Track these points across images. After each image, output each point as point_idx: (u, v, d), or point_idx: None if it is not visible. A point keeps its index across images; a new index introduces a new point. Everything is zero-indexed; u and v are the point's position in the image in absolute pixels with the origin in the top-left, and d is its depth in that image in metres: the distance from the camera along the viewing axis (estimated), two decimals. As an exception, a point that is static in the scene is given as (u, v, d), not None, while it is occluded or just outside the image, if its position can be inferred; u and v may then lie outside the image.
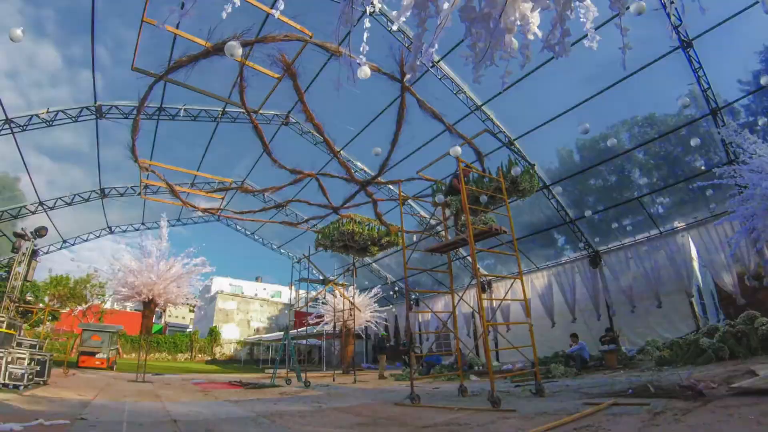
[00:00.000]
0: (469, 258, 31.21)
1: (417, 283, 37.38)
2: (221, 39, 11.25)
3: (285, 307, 66.28)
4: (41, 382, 14.49)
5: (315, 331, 36.77)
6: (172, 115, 22.42)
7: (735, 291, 19.75)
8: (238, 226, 39.18)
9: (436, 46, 3.80)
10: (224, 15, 4.27)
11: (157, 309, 24.87)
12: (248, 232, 40.10)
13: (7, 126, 20.04)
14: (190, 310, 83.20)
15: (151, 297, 23.48)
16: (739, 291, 19.72)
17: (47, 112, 20.37)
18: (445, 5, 3.54)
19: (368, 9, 3.88)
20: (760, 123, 16.29)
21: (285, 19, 10.32)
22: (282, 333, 35.81)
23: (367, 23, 4.37)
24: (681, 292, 21.81)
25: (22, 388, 12.60)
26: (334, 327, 32.48)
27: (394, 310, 40.40)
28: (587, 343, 21.26)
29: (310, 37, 11.17)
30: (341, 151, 24.57)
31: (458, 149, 15.29)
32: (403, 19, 3.83)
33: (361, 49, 4.27)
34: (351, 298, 30.05)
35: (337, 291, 31.82)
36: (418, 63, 3.88)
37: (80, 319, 39.74)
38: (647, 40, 15.29)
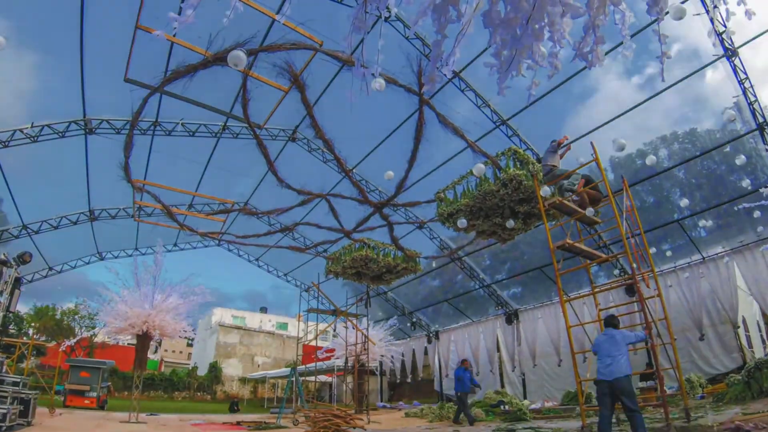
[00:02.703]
0: (494, 286, 31.08)
1: (437, 312, 37.21)
2: (222, 47, 11.28)
3: (292, 340, 66.08)
4: (25, 423, 14.46)
5: (325, 366, 36.65)
6: (169, 131, 22.42)
7: (784, 322, 19.56)
8: (240, 252, 39.06)
9: (458, 54, 3.78)
10: (225, 21, 4.27)
11: (152, 343, 24.85)
12: (252, 258, 39.92)
13: (-12, 142, 20.13)
14: (188, 344, 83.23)
15: (145, 329, 23.42)
16: (789, 322, 19.53)
17: (32, 126, 20.36)
18: (467, 9, 3.53)
19: (383, 14, 3.87)
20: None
21: (292, 25, 10.35)
22: (288, 369, 35.74)
23: (382, 29, 4.34)
24: (726, 322, 21.52)
25: (4, 429, 12.57)
26: (346, 362, 32.34)
27: (411, 343, 40.15)
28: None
29: (320, 46, 11.19)
30: (353, 170, 24.52)
31: (482, 167, 15.24)
32: (420, 23, 3.82)
33: (376, 58, 4.24)
34: (365, 331, 29.97)
35: (349, 322, 31.77)
36: (437, 73, 3.87)
37: (68, 354, 39.82)
38: (688, 48, 15.27)
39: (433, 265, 30.17)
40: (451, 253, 28.07)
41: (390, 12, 4.01)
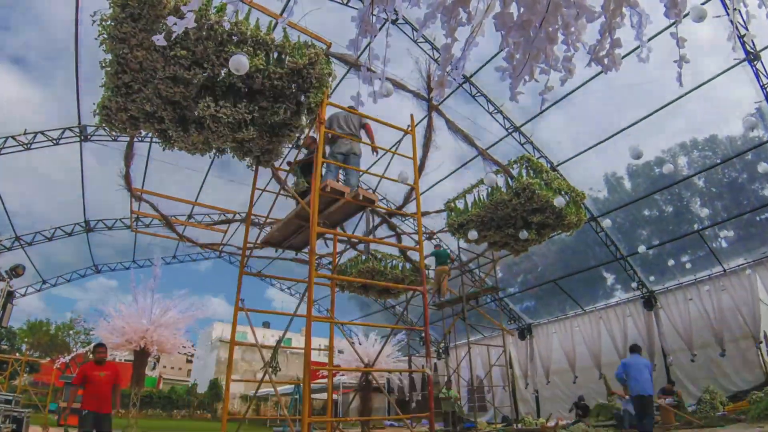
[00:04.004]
0: (506, 300, 30.99)
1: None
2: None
3: (296, 356, 65.68)
4: (18, 442, 14.45)
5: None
6: (168, 137, 22.32)
7: (807, 336, 19.48)
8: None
9: (468, 58, 3.78)
10: (227, 23, 4.28)
11: (150, 359, 24.80)
12: (254, 271, 39.65)
13: (-21, 150, 20.11)
14: (188, 360, 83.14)
15: (143, 345, 23.36)
16: (812, 336, 19.45)
17: (24, 133, 20.35)
18: (478, 11, 3.52)
19: (390, 17, 3.87)
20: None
21: (300, 27, 10.34)
22: (292, 386, 35.67)
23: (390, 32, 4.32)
24: (748, 337, 21.41)
25: (-4, 448, 12.56)
26: (362, 380, 32.18)
27: (420, 359, 39.85)
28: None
29: (328, 47, 11.18)
30: (360, 178, 24.34)
31: (493, 177, 15.21)
32: (428, 25, 3.81)
33: (382, 62, 4.23)
34: (371, 346, 29.89)
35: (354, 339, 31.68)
36: (447, 78, 3.86)
37: (62, 371, 39.87)
38: (708, 52, 15.23)
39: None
40: (461, 266, 27.98)
41: (397, 14, 4.02)
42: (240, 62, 8.48)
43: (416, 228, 22.21)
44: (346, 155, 11.59)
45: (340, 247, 23.48)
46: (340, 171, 12.13)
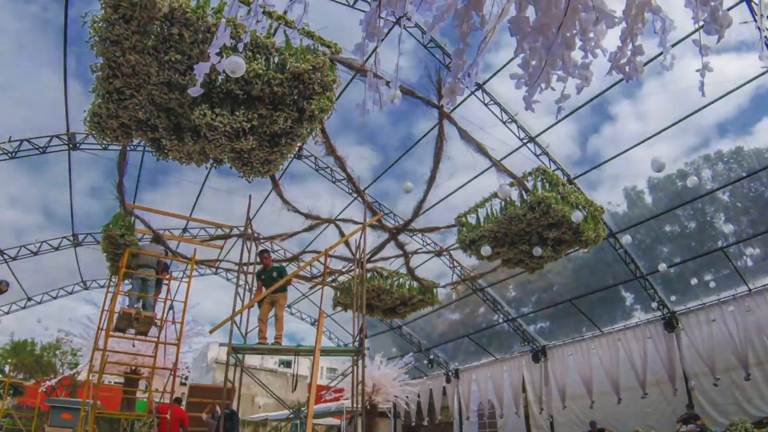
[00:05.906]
0: (520, 320, 30.85)
1: (457, 348, 36.93)
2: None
3: (299, 378, 65.10)
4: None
5: (333, 408, 36.38)
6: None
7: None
8: (240, 282, 38.45)
9: (481, 64, 3.76)
10: (224, 25, 4.26)
11: (141, 381, 24.62)
12: (253, 289, 39.25)
13: (-41, 159, 20.08)
14: (182, 383, 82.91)
15: (134, 366, 23.21)
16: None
17: (9, 141, 20.29)
18: (492, 15, 3.51)
19: (403, 23, 3.85)
20: None
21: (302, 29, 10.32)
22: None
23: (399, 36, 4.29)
24: (774, 360, 21.34)
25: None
26: (365, 404, 32.04)
27: (428, 382, 39.72)
28: (661, 424, 20.91)
29: (334, 49, 11.18)
30: (366, 190, 24.20)
31: (507, 189, 15.19)
32: (436, 29, 3.79)
33: (393, 67, 4.20)
34: (377, 369, 29.76)
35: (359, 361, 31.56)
36: (459, 85, 3.85)
37: (48, 394, 39.81)
38: (732, 58, 15.22)
39: (453, 297, 29.99)
40: (467, 278, 27.80)
41: (408, 18, 4.00)
42: (236, 64, 8.25)
43: (425, 243, 22.23)
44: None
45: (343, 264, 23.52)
46: None
